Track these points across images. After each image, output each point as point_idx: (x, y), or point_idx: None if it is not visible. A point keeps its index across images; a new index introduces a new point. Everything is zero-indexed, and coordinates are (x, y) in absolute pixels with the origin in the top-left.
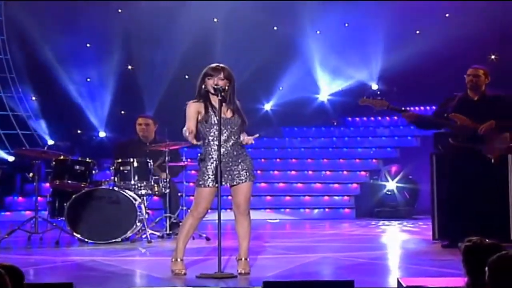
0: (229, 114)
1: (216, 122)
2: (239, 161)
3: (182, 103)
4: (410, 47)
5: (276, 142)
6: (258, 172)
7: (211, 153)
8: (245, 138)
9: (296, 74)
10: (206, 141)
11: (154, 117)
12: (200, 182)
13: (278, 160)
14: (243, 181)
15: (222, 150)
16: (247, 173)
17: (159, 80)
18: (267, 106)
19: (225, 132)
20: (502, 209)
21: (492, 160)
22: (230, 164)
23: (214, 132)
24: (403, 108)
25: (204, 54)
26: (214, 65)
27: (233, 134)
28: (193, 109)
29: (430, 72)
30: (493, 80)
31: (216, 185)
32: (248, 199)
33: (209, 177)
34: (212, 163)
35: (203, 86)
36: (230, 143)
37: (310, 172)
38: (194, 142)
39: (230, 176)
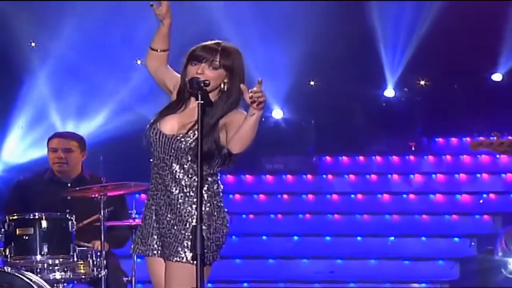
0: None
1: (156, 141)
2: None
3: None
4: None
5: (304, 182)
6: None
7: (151, 196)
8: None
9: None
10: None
11: (80, 138)
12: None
13: (307, 216)
14: (179, 259)
15: (155, 192)
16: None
17: (89, 68)
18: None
19: (163, 160)
20: None
21: None
22: (167, 221)
23: (156, 159)
24: None
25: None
26: (210, 42)
27: (181, 164)
28: None
29: None
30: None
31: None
32: None
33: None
34: (151, 215)
35: (186, 78)
36: (169, 181)
37: (371, 238)
38: None
39: (160, 244)
